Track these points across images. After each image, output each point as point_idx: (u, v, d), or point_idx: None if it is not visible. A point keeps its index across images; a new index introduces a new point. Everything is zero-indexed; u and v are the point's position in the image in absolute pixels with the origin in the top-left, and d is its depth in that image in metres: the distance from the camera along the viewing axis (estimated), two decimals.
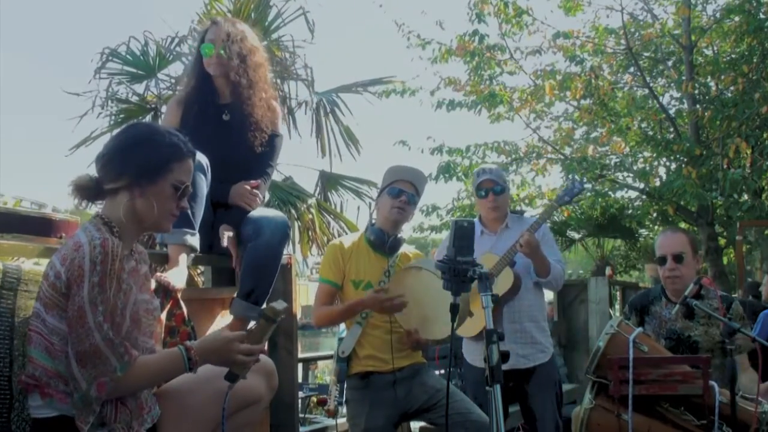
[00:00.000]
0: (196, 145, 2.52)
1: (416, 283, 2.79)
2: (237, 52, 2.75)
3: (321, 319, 2.91)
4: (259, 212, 2.73)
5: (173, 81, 5.47)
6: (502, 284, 3.06)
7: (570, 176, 7.94)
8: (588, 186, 8.40)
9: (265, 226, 2.63)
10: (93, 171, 1.88)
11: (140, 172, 1.81)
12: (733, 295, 4.15)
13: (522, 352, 3.15)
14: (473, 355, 3.27)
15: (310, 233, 5.48)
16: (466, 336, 3.23)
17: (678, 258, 2.92)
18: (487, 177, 3.24)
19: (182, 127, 2.75)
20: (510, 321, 3.15)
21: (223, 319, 2.74)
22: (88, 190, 1.83)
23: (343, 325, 2.97)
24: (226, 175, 2.72)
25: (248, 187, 2.74)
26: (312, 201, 5.55)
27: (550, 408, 3.17)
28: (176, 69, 5.57)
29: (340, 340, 2.93)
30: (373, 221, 3.00)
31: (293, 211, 5.31)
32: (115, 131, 5.21)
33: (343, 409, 2.92)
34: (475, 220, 3.37)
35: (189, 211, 2.34)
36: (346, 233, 5.35)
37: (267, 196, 3.11)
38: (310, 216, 5.47)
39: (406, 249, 3.05)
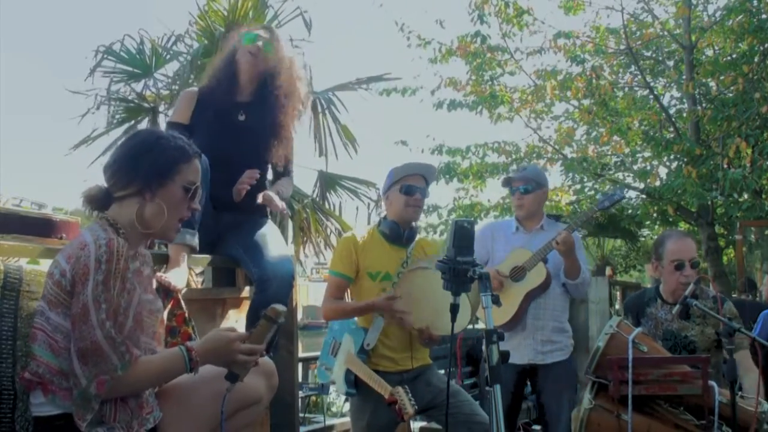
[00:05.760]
0: (206, 140, 2.52)
1: (423, 282, 2.78)
2: (281, 55, 2.81)
3: (330, 312, 2.88)
4: (268, 256, 2.66)
5: (170, 80, 5.45)
6: (534, 278, 3.10)
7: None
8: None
9: (272, 280, 2.60)
10: (93, 170, 1.90)
11: (150, 176, 1.83)
12: (733, 295, 4.15)
13: (541, 349, 3.17)
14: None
15: (304, 233, 5.46)
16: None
17: (695, 264, 2.94)
18: (515, 176, 3.28)
19: (195, 121, 2.77)
20: (534, 317, 3.18)
21: (224, 320, 2.74)
22: (98, 200, 1.86)
23: (355, 319, 2.95)
24: (232, 173, 2.72)
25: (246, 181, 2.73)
26: (307, 201, 5.53)
27: (565, 406, 3.14)
28: (174, 68, 5.54)
29: (357, 329, 2.89)
30: (384, 214, 3.01)
31: (289, 211, 5.28)
32: (113, 131, 5.25)
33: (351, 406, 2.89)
34: (513, 218, 3.44)
35: None
36: (342, 234, 5.34)
37: (290, 192, 3.11)
38: (305, 215, 5.45)
39: (420, 238, 3.07)
